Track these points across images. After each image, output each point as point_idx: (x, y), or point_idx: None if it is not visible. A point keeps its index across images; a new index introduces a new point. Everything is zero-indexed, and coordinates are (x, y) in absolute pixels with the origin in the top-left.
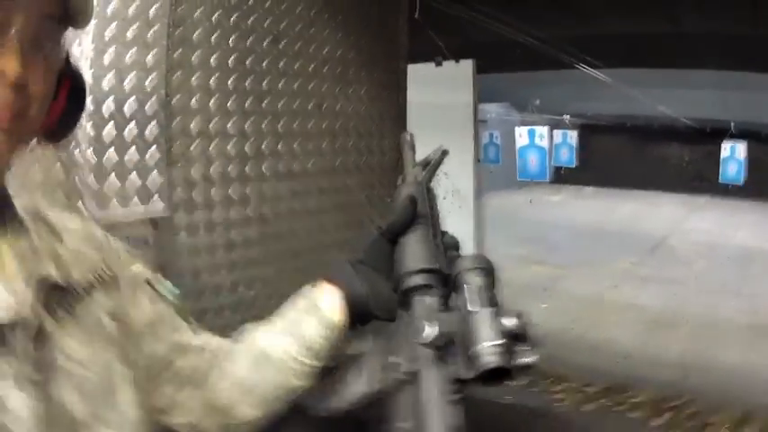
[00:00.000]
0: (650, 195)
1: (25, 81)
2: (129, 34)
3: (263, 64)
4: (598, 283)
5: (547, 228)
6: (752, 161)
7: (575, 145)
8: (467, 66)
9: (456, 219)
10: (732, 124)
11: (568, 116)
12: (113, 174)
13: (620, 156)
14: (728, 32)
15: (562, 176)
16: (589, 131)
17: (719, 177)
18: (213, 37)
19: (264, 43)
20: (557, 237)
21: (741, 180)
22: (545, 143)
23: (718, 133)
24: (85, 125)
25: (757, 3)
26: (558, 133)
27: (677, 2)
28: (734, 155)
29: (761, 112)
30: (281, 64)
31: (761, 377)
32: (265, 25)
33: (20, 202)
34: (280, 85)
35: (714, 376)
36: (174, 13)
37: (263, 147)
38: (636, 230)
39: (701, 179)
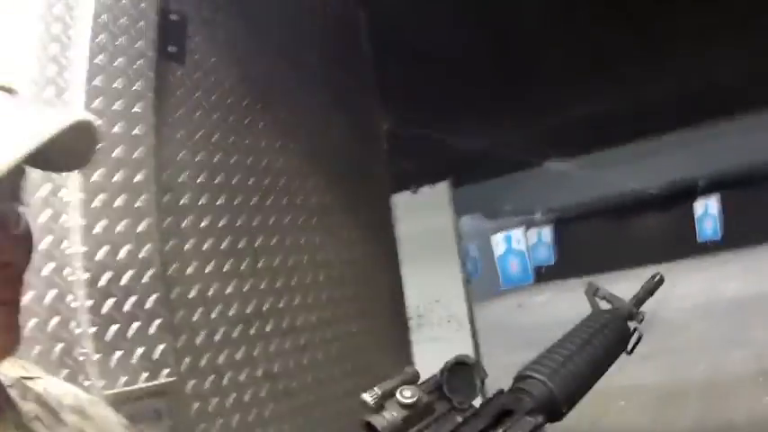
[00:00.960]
0: (633, 273)
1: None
2: (118, 203)
3: (254, 223)
4: None
5: (538, 330)
6: (726, 214)
7: (550, 242)
8: (443, 188)
9: (455, 342)
10: (700, 181)
11: (539, 213)
12: (117, 348)
13: (597, 241)
14: (682, 92)
15: (543, 275)
16: (563, 224)
17: (697, 237)
18: (202, 200)
19: (252, 201)
20: (549, 337)
21: (719, 235)
22: (522, 246)
23: (688, 193)
24: (84, 301)
25: (705, 57)
26: (532, 233)
27: (627, 73)
28: (708, 211)
29: (724, 162)
30: (271, 221)
31: None
32: (250, 183)
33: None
34: (272, 242)
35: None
36: (159, 179)
37: (264, 307)
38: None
39: (679, 243)
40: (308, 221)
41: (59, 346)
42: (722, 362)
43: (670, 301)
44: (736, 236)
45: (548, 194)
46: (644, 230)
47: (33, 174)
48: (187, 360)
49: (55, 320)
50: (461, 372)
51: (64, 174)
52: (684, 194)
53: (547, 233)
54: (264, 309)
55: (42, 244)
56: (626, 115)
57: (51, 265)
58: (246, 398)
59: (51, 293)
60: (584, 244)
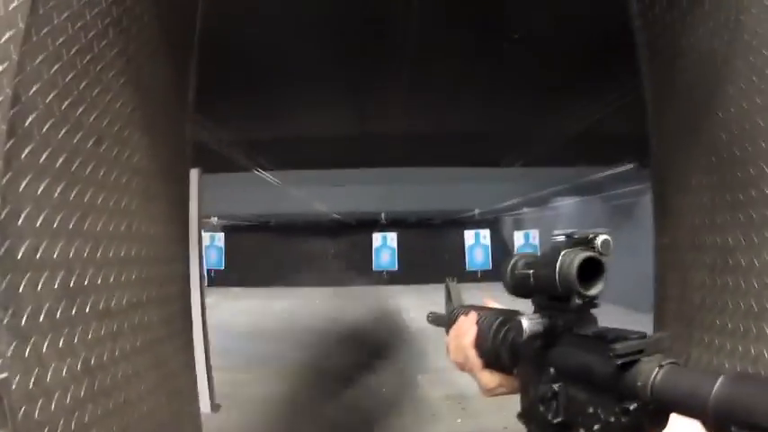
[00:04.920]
0: (301, 291)
1: None
2: None
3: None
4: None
5: (211, 332)
6: (399, 248)
7: (223, 247)
8: (194, 175)
9: None
10: (383, 215)
11: (216, 218)
12: None
13: (269, 254)
14: (384, 133)
15: (213, 279)
16: (235, 232)
17: (373, 265)
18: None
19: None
20: (223, 341)
21: (395, 265)
22: (202, 248)
23: (370, 224)
24: None
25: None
26: (206, 236)
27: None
28: (386, 243)
29: (403, 203)
30: (99, 180)
31: None
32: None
33: None
34: (98, 202)
35: None
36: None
37: (85, 281)
38: (296, 326)
39: (354, 269)
40: (127, 185)
41: None
42: None
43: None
44: (408, 270)
45: (228, 201)
46: (318, 252)
47: None
48: (13, 345)
49: None
50: None
51: None
52: (367, 225)
53: (220, 238)
54: (86, 283)
55: None
56: (325, 143)
57: None
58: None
59: None
60: (254, 255)
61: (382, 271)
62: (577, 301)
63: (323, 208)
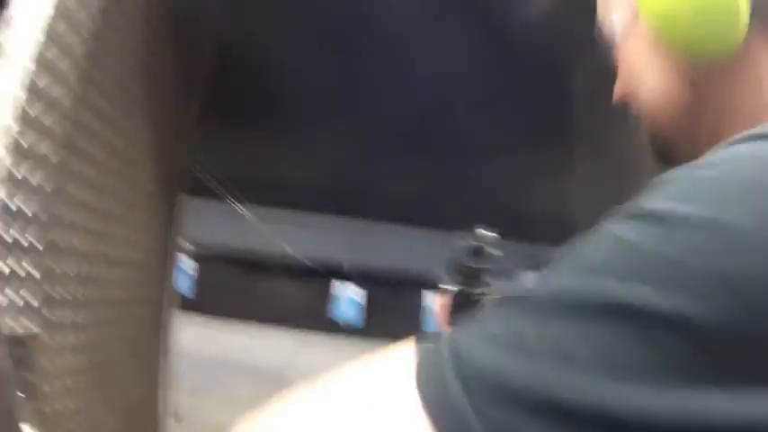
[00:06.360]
0: (261, 330)
1: None
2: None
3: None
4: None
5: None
6: (369, 302)
7: (192, 274)
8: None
9: None
10: (344, 264)
11: (189, 243)
12: None
13: (235, 287)
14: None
15: (183, 305)
16: (207, 261)
17: (331, 314)
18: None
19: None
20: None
21: (360, 321)
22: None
23: (331, 273)
24: None
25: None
26: (178, 261)
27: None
28: (348, 294)
29: (370, 255)
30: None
31: None
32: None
33: None
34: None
35: None
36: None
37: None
38: (254, 362)
39: (312, 315)
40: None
41: None
42: None
43: (295, 366)
44: (376, 326)
45: (205, 230)
46: (280, 293)
47: None
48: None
49: None
50: None
51: None
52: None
53: (191, 265)
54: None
55: None
56: (309, 187)
57: None
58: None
59: None
60: (222, 286)
61: (342, 322)
62: None
63: (291, 250)
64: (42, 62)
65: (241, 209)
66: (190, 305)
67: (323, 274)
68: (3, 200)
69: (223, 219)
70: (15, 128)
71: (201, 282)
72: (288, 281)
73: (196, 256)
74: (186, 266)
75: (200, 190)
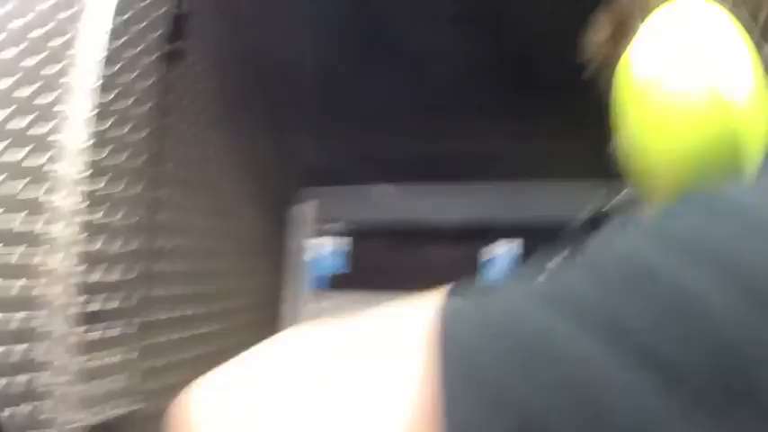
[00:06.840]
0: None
1: None
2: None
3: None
4: None
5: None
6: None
7: (347, 251)
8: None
9: None
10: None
11: (341, 222)
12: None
13: (390, 260)
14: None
15: (336, 282)
16: (361, 237)
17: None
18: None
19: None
20: None
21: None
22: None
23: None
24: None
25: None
26: (329, 241)
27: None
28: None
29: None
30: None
31: None
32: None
33: None
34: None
35: None
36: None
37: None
38: None
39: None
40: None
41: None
42: None
43: None
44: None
45: (354, 210)
46: (436, 261)
47: None
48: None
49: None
50: None
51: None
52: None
53: (346, 242)
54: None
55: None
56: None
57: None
58: None
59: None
60: (378, 260)
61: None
62: None
63: (444, 216)
64: None
65: (384, 187)
66: (347, 279)
67: (476, 236)
68: None
69: (364, 199)
70: None
71: (356, 256)
72: (438, 249)
73: (349, 232)
74: (339, 245)
75: (331, 178)
